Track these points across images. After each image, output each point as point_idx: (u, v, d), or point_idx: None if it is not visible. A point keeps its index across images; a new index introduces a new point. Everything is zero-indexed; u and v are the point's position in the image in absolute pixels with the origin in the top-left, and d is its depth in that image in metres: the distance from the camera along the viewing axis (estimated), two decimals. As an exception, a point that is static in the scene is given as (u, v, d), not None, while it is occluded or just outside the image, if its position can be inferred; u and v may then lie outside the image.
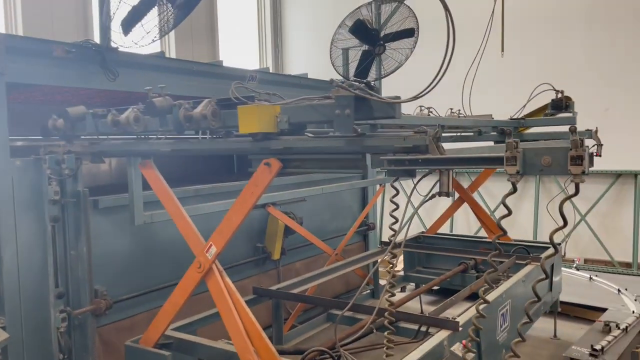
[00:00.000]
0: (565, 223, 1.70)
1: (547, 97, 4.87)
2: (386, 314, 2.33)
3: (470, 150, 2.68)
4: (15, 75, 3.09)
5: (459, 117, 4.68)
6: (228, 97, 2.44)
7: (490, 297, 3.66)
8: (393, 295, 2.36)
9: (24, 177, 3.07)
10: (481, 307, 2.16)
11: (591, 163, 1.62)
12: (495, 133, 4.82)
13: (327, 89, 6.35)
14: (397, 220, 2.19)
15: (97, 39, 3.60)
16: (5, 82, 2.99)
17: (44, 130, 3.22)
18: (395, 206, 2.27)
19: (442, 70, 1.91)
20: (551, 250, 5.05)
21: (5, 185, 2.98)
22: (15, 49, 3.10)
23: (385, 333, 2.44)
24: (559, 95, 4.78)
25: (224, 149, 2.70)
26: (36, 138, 3.63)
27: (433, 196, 2.02)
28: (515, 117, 4.90)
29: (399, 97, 2.07)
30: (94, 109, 2.98)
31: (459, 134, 4.76)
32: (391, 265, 2.22)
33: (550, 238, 1.80)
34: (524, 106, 4.79)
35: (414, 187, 2.02)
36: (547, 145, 1.61)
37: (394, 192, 2.26)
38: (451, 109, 4.79)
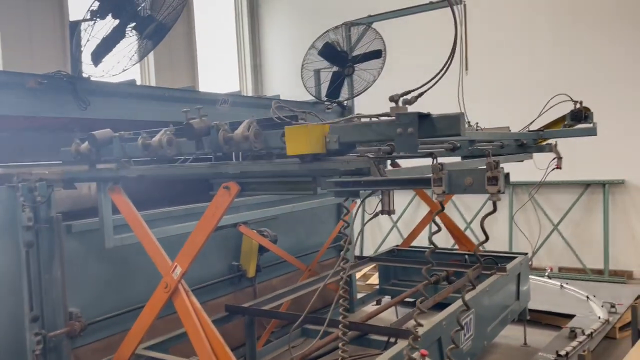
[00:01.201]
0: (487, 238, 1.86)
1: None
2: (340, 326, 2.47)
3: (422, 168, 2.84)
4: (-10, 107, 3.23)
5: (477, 130, 4.53)
6: (269, 117, 2.41)
7: (453, 306, 3.83)
8: (346, 308, 2.50)
9: (-2, 205, 3.18)
10: (418, 315, 2.28)
11: (507, 181, 1.78)
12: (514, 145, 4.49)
13: (301, 109, 6.48)
14: (347, 237, 2.34)
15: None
16: (-22, 114, 3.12)
17: (64, 155, 3.22)
18: (346, 224, 2.42)
19: (446, 67, 1.99)
20: (519, 259, 5.22)
21: (-20, 213, 3.10)
22: (-12, 82, 3.24)
23: (340, 344, 2.57)
24: (578, 105, 4.62)
25: (264, 171, 2.48)
26: (10, 165, 3.75)
27: (376, 215, 2.17)
28: (529, 129, 4.70)
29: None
30: (119, 131, 2.95)
31: (476, 147, 4.61)
32: (342, 279, 2.36)
33: (475, 252, 1.96)
34: (534, 121, 4.63)
35: (359, 205, 2.17)
36: (468, 167, 1.78)
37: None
38: (468, 122, 4.70)
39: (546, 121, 4.76)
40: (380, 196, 2.24)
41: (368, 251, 9.40)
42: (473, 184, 1.80)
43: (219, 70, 11.55)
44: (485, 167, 1.75)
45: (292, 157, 2.23)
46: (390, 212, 2.13)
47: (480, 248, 5.90)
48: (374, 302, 5.98)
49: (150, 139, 2.67)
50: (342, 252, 2.30)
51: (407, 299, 5.21)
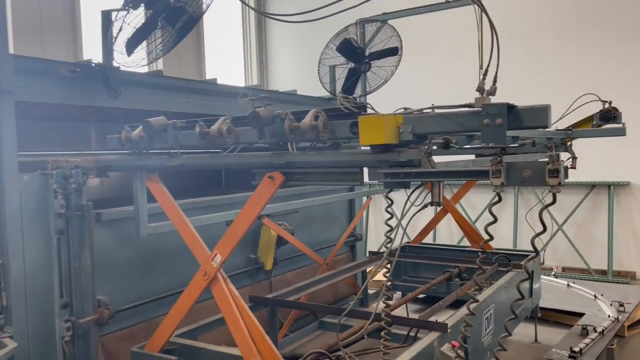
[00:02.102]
0: (545, 229, 1.91)
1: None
2: (383, 315, 2.51)
3: (455, 163, 2.89)
4: (23, 94, 3.23)
5: None
6: (336, 107, 2.39)
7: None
8: (390, 298, 2.54)
9: (31, 192, 3.18)
10: (471, 305, 2.35)
11: (566, 175, 1.83)
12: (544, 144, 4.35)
13: (316, 105, 6.59)
14: (392, 228, 2.38)
15: (86, 55, 3.76)
16: (14, 100, 3.12)
17: (111, 143, 3.20)
18: (390, 215, 2.45)
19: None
20: (532, 256, 5.29)
21: (14, 200, 3.10)
22: (23, 69, 3.25)
23: (382, 333, 2.61)
24: (606, 105, 4.61)
25: (329, 161, 2.42)
26: (41, 153, 3.76)
27: (425, 206, 2.21)
28: (556, 127, 4.65)
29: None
30: (172, 119, 2.91)
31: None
32: (387, 271, 2.40)
33: (532, 242, 2.01)
34: (560, 119, 4.56)
35: (408, 198, 2.21)
36: (527, 159, 1.82)
37: (381, 203, 2.41)
38: None
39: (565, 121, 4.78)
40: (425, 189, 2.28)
41: (372, 247, 9.47)
42: (532, 176, 1.84)
43: (224, 64, 11.55)
44: (547, 159, 1.80)
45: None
46: (439, 204, 2.17)
47: (492, 246, 5.96)
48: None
49: (207, 128, 2.63)
50: (387, 245, 2.34)
51: (416, 296, 5.25)
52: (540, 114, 1.86)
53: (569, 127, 4.59)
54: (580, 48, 8.47)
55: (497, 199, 1.94)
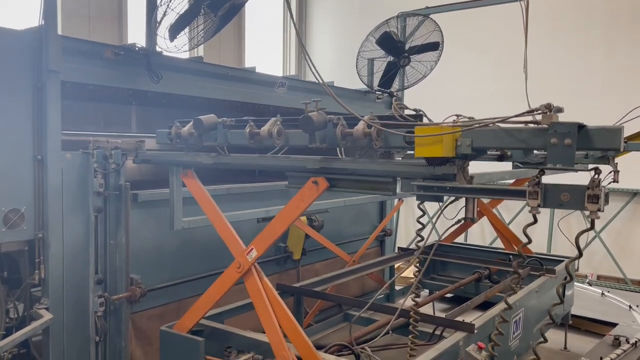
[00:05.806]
0: (580, 254, 1.84)
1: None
2: (411, 312, 2.50)
3: (492, 175, 2.81)
4: (69, 74, 3.32)
5: None
6: (390, 114, 2.31)
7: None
8: (418, 296, 2.52)
9: (72, 169, 3.28)
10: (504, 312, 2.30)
11: (606, 201, 1.76)
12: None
13: (352, 98, 6.46)
14: (423, 226, 2.35)
15: (130, 41, 3.81)
16: (60, 80, 3.21)
17: (160, 137, 3.25)
18: (422, 212, 2.42)
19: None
20: (566, 262, 5.15)
21: (56, 176, 3.20)
22: (70, 50, 3.33)
23: (410, 328, 2.60)
24: None
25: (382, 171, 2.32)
26: (82, 133, 3.86)
27: (459, 222, 2.17)
28: None
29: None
30: (222, 118, 2.91)
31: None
32: (417, 269, 2.39)
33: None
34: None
35: (441, 212, 2.17)
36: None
37: (413, 200, 2.34)
38: None
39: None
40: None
41: (401, 243, 9.43)
42: (570, 200, 1.79)
43: (263, 53, 11.60)
44: (587, 184, 1.74)
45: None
46: (473, 220, 2.13)
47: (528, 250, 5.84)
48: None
49: (257, 128, 2.63)
50: (417, 243, 2.32)
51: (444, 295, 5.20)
52: (612, 135, 1.79)
53: (624, 139, 4.35)
54: (633, 53, 8.16)
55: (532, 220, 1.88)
